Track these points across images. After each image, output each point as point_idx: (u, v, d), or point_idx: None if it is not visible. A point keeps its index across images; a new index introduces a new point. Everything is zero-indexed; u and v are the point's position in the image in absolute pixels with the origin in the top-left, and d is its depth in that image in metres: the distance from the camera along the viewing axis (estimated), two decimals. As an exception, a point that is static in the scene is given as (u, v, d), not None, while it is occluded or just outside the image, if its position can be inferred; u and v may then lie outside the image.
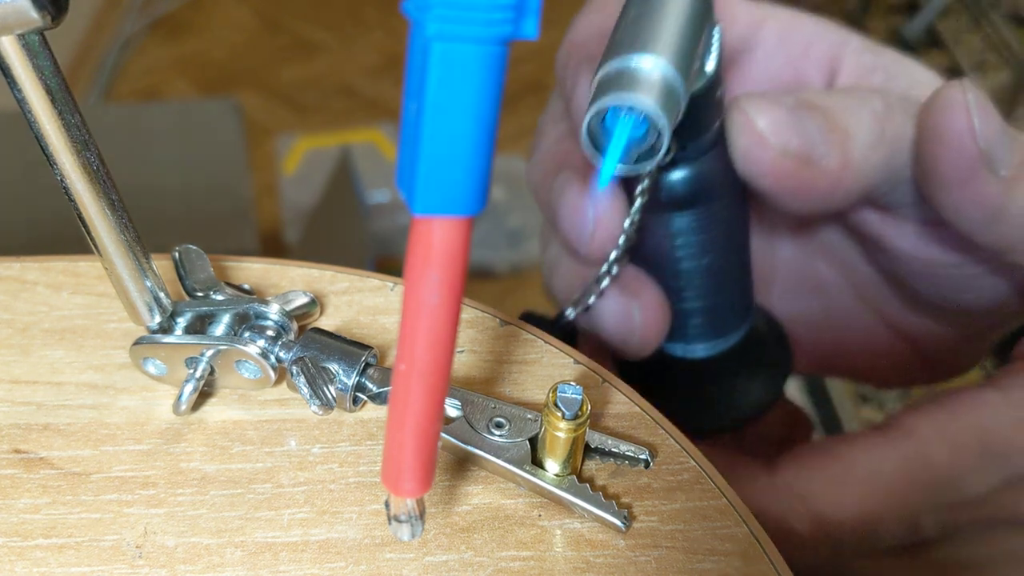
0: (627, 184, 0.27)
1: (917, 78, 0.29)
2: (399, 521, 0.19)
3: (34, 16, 0.16)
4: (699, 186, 0.27)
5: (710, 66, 0.24)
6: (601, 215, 0.26)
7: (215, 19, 1.84)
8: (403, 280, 0.15)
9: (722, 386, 0.33)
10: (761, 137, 0.25)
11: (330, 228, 1.22)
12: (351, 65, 1.73)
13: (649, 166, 0.22)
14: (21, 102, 0.18)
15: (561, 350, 0.25)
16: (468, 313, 0.25)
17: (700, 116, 0.25)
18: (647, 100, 0.20)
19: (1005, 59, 1.60)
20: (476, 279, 1.31)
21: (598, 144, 0.22)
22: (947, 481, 0.26)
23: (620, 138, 0.21)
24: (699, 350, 0.32)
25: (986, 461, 0.26)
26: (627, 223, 0.27)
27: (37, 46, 0.17)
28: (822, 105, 0.26)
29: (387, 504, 0.19)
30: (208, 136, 0.95)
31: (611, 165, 0.22)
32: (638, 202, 0.26)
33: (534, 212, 1.38)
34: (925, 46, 1.65)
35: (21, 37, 0.17)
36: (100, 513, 0.22)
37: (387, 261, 1.31)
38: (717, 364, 0.32)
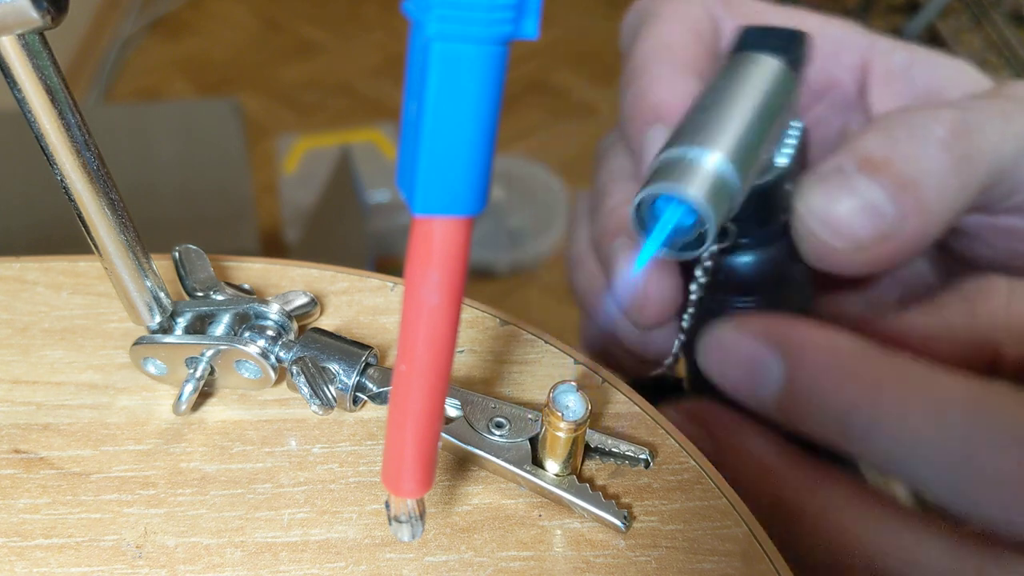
0: (686, 264, 0.26)
1: (952, 75, 0.29)
2: (399, 521, 0.19)
3: (34, 16, 0.16)
4: (761, 275, 0.26)
5: (782, 161, 0.24)
6: (652, 291, 0.25)
7: (215, 19, 1.85)
8: (403, 280, 0.15)
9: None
10: (829, 245, 0.24)
11: (330, 228, 1.22)
12: (351, 65, 1.73)
13: (692, 255, 0.22)
14: (21, 102, 0.18)
15: (561, 350, 0.25)
16: (468, 313, 0.25)
17: (766, 207, 0.24)
18: (696, 194, 0.20)
19: (1006, 59, 1.60)
20: (476, 279, 1.32)
21: (645, 225, 0.22)
22: None
23: (665, 225, 0.21)
24: None
25: None
26: (692, 294, 0.26)
27: (37, 46, 0.17)
28: (882, 158, 0.24)
29: (387, 504, 0.19)
30: (208, 136, 0.95)
31: (650, 250, 0.22)
32: (695, 285, 0.26)
33: (534, 212, 1.38)
34: (925, 46, 1.65)
35: (21, 37, 0.17)
36: (100, 513, 0.22)
37: (387, 261, 1.31)
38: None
